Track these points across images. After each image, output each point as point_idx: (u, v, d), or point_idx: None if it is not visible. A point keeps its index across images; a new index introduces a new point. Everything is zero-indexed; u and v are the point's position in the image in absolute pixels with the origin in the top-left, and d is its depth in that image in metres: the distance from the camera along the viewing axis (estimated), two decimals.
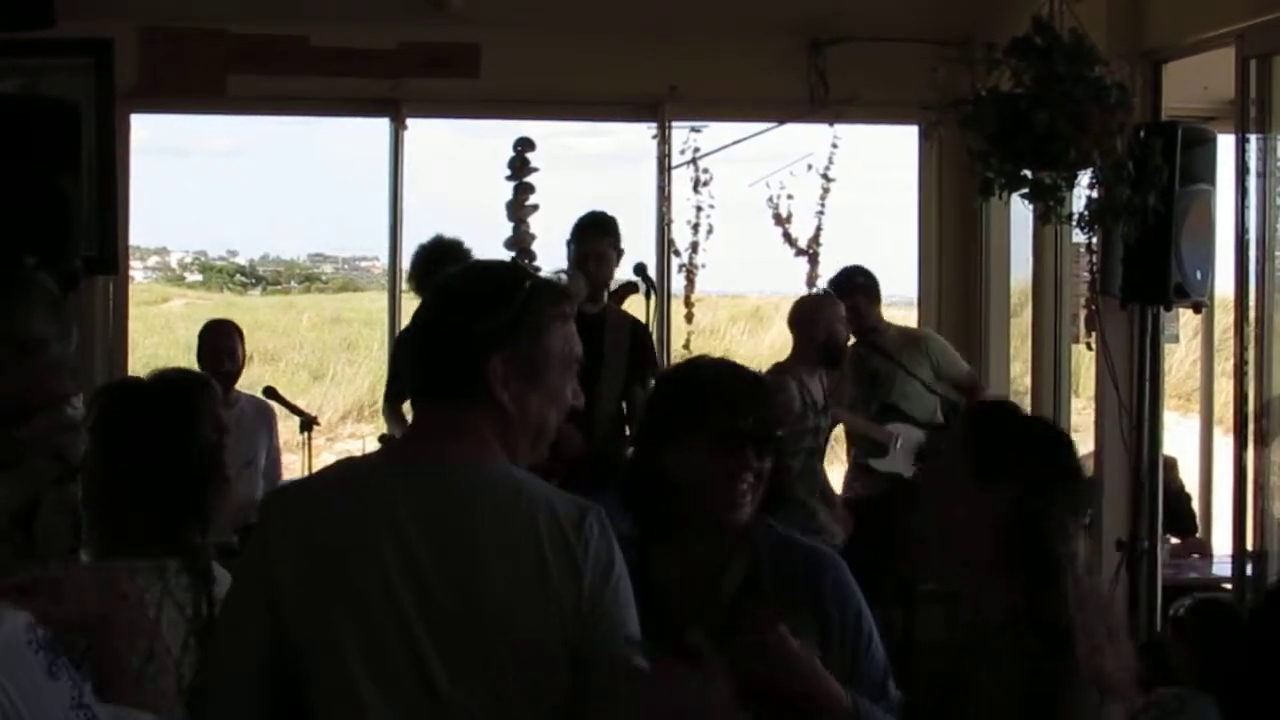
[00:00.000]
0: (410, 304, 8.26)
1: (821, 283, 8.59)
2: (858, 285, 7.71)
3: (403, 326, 8.37)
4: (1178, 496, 8.17)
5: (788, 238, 8.66)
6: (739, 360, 3.38)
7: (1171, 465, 7.98)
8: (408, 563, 2.55)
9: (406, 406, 7.60)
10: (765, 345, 16.34)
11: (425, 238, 7.63)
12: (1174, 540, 8.00)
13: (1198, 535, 8.38)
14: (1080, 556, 2.59)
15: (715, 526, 3.05)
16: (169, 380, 3.30)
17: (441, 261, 7.29)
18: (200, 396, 3.17)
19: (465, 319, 2.66)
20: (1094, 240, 6.41)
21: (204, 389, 3.22)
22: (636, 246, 7.44)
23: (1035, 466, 2.59)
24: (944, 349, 7.75)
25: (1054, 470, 2.61)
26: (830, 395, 7.19)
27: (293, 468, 7.99)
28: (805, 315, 7.21)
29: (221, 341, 7.47)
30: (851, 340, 7.49)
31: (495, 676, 2.52)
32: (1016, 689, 2.49)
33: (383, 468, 2.76)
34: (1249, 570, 6.33)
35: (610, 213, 6.97)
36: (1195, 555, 7.91)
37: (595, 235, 6.80)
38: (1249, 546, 6.34)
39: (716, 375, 3.19)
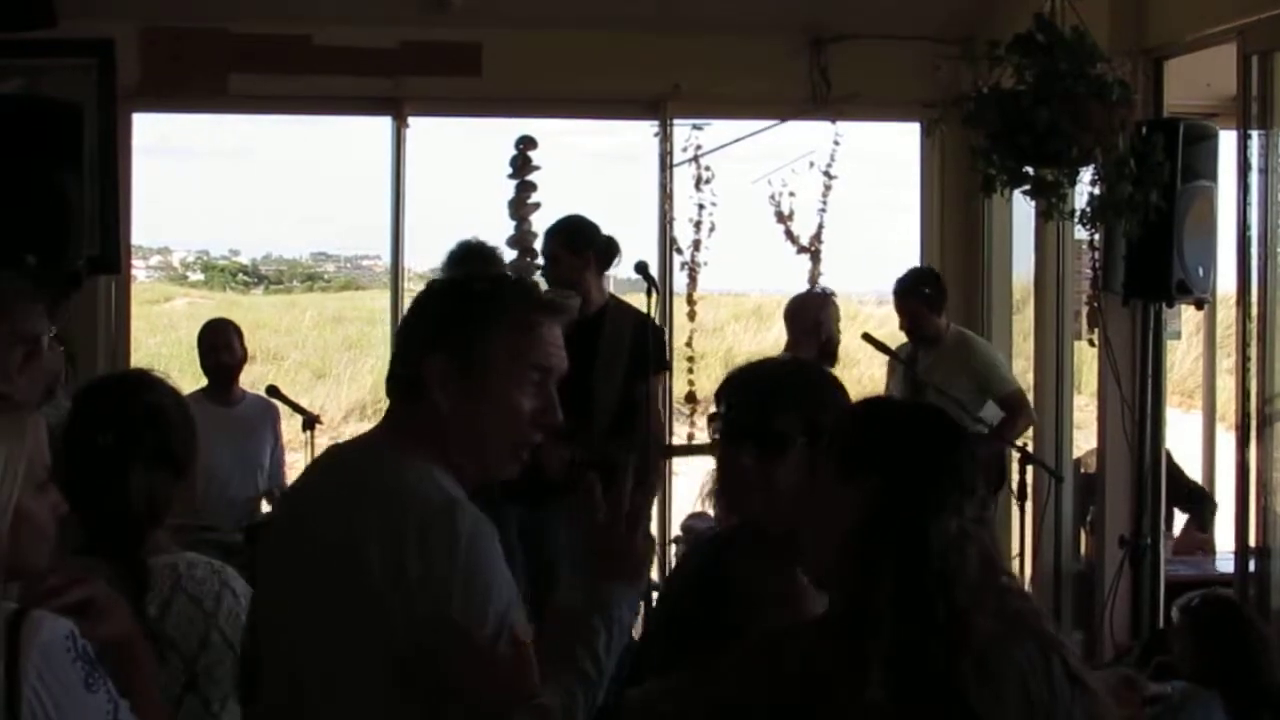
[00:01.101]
0: None
1: (824, 281, 8.61)
2: (922, 294, 7.67)
3: None
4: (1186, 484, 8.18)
5: (790, 235, 8.67)
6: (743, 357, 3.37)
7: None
8: (287, 552, 2.64)
9: None
10: (768, 343, 16.32)
11: (428, 236, 7.70)
12: (1184, 519, 7.99)
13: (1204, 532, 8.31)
14: (976, 542, 2.49)
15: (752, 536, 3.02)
16: (95, 381, 3.30)
17: (465, 263, 7.35)
18: (102, 396, 3.13)
19: (414, 319, 2.69)
20: (1096, 237, 6.40)
21: (117, 387, 3.17)
22: (638, 245, 7.45)
23: (901, 456, 2.50)
24: (987, 363, 7.63)
25: (923, 457, 2.51)
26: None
27: (295, 466, 7.99)
28: (798, 312, 7.26)
29: (217, 338, 7.53)
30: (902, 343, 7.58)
31: (312, 669, 2.54)
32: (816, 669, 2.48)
33: (324, 459, 2.78)
34: (1252, 567, 6.33)
35: (608, 211, 6.92)
36: (1198, 552, 7.90)
37: (547, 236, 6.77)
38: (1251, 543, 6.34)
39: (741, 371, 3.18)
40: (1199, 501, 8.09)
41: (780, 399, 2.98)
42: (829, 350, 7.16)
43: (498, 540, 2.55)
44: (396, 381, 2.67)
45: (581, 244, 6.65)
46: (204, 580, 2.93)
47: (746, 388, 3.08)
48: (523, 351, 2.61)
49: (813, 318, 7.25)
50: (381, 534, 2.48)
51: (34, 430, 2.34)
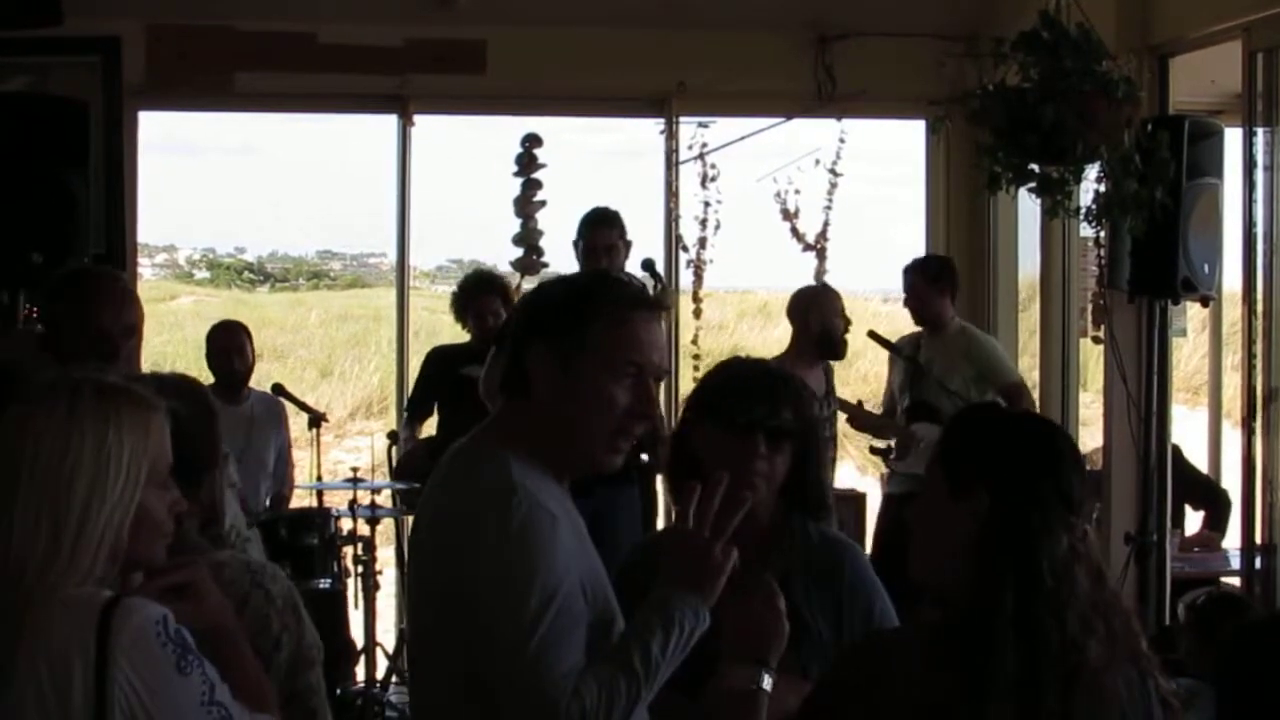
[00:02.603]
0: (418, 300, 8.30)
1: (830, 278, 8.61)
2: (931, 273, 7.67)
3: (412, 324, 8.40)
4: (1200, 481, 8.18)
5: (795, 233, 8.66)
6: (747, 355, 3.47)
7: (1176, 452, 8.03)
8: (413, 537, 2.89)
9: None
10: (774, 340, 16.32)
11: (434, 234, 7.78)
12: (1196, 517, 7.99)
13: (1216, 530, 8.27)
14: (1084, 560, 2.49)
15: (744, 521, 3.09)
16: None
17: (481, 285, 7.53)
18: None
19: (522, 314, 2.83)
20: (1101, 234, 6.41)
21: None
22: (644, 242, 7.45)
23: (1007, 474, 2.51)
24: (991, 354, 7.60)
25: (1029, 475, 2.51)
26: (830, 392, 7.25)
27: (301, 464, 8.01)
28: (798, 307, 7.28)
29: (229, 342, 7.53)
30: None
31: (418, 639, 2.81)
32: (928, 693, 2.46)
33: (447, 454, 2.89)
34: (1258, 563, 6.34)
35: (614, 207, 6.98)
36: (1200, 548, 7.88)
37: (604, 228, 6.82)
38: (1258, 540, 6.34)
39: (739, 369, 3.35)
40: (1214, 500, 8.06)
41: (782, 393, 3.20)
42: (827, 343, 7.17)
43: (560, 526, 2.64)
44: (507, 375, 2.77)
45: (628, 239, 6.84)
46: (232, 581, 2.91)
47: (750, 381, 3.23)
48: (617, 345, 2.69)
49: (801, 312, 7.29)
50: (452, 519, 2.66)
51: (159, 428, 2.39)
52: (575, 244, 6.90)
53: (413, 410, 7.86)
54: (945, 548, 2.53)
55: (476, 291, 7.58)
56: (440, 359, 7.78)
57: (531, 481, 2.65)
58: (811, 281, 8.53)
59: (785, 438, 3.15)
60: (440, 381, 7.63)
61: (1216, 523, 7.98)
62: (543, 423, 2.70)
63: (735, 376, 3.29)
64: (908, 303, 7.74)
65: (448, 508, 2.70)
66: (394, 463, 7.73)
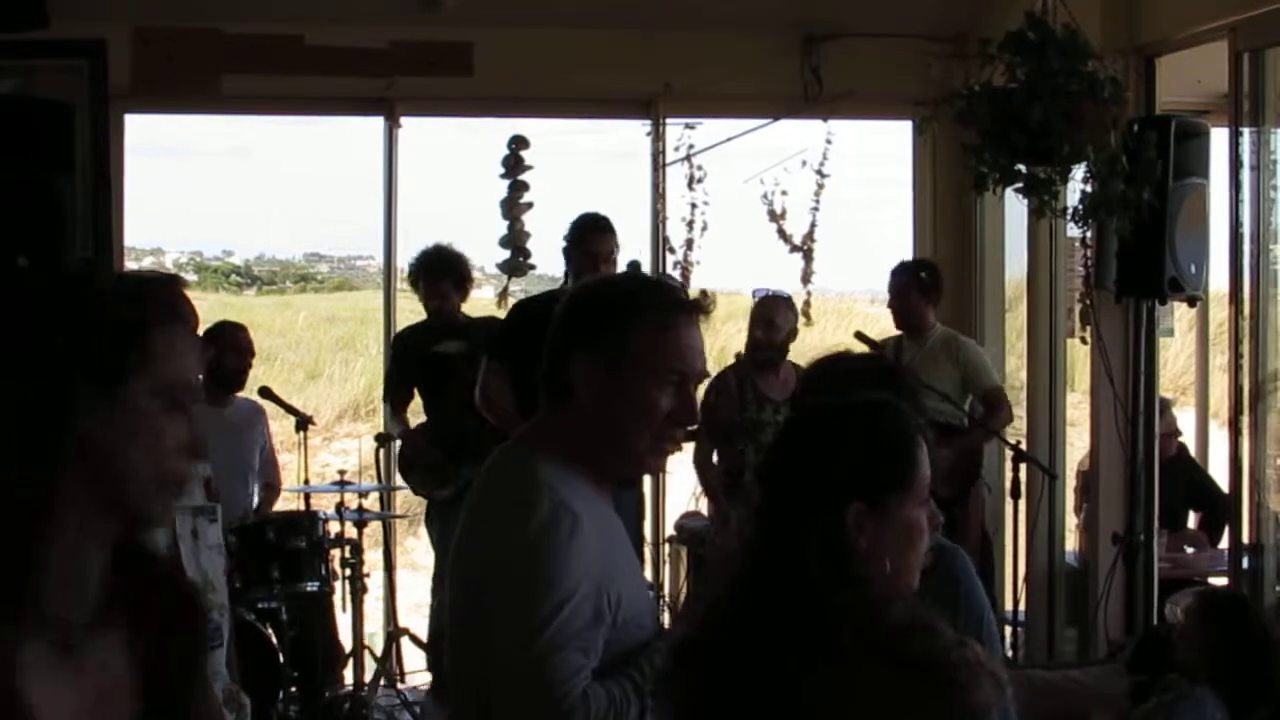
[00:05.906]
0: (405, 302, 8.29)
1: (817, 279, 8.64)
2: (917, 278, 7.72)
3: (398, 325, 8.38)
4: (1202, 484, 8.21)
5: (782, 234, 8.66)
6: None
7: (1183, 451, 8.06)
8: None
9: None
10: None
11: (420, 236, 7.79)
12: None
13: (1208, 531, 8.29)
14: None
15: None
16: None
17: (433, 268, 7.53)
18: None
19: (563, 318, 2.79)
20: (1088, 234, 6.42)
21: None
22: (631, 244, 7.44)
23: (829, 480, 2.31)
24: (976, 359, 7.62)
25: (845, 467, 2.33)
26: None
27: (289, 467, 8.00)
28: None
29: (235, 339, 7.55)
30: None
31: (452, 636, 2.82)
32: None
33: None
34: (1245, 563, 6.34)
35: (602, 211, 6.95)
36: (1189, 549, 7.89)
37: (604, 235, 6.78)
38: (1245, 540, 6.34)
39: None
40: (1214, 506, 8.05)
41: None
42: (755, 350, 7.41)
43: (583, 528, 2.62)
44: (546, 380, 2.77)
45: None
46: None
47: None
48: (659, 351, 2.69)
49: (750, 327, 7.58)
50: (479, 519, 2.73)
51: None
52: (565, 250, 6.79)
53: (392, 401, 7.90)
54: None
55: (427, 273, 7.63)
56: (406, 344, 7.82)
57: (561, 483, 2.66)
58: (799, 282, 8.57)
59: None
60: (413, 365, 7.65)
61: (1212, 528, 7.99)
62: (586, 426, 2.71)
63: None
64: (892, 304, 7.75)
65: (477, 508, 2.74)
66: (390, 458, 7.74)
